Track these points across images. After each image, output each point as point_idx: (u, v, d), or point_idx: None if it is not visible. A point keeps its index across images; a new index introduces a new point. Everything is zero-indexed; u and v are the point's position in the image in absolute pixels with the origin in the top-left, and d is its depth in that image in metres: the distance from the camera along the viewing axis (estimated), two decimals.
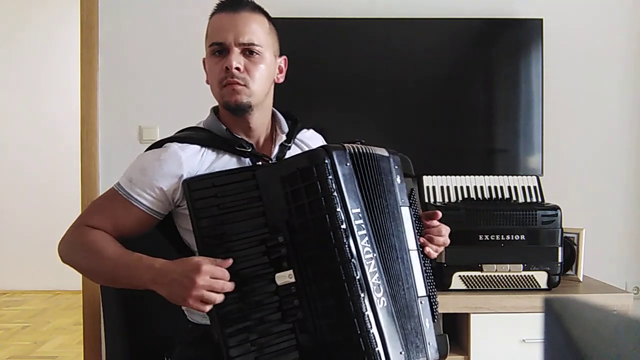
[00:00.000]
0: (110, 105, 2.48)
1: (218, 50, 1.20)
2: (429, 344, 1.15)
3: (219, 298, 1.03)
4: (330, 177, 1.07)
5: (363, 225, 1.09)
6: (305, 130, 1.39)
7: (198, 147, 1.21)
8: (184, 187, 1.10)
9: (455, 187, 2.11)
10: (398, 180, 1.22)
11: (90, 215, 1.22)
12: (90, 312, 2.45)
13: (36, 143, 4.79)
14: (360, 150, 1.14)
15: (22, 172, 4.81)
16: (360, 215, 1.09)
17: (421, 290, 1.19)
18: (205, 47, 1.25)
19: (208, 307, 1.03)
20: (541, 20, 2.42)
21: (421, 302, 1.17)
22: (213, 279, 1.03)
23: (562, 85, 2.48)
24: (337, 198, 1.06)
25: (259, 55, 1.20)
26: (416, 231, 1.24)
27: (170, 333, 1.38)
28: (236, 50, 1.19)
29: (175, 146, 1.20)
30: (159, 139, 1.26)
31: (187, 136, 1.23)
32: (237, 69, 1.18)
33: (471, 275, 1.95)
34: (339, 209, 1.06)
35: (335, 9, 2.43)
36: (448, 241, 1.30)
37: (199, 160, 1.19)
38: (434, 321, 1.20)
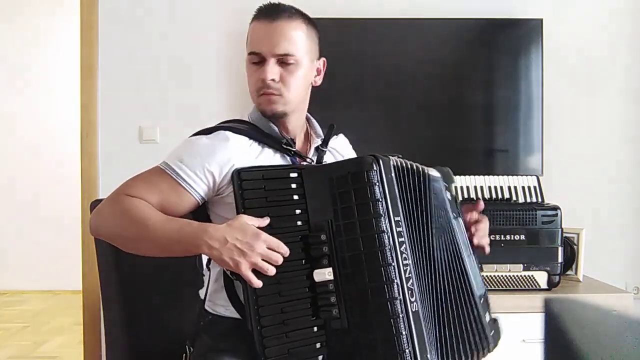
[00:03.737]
0: (110, 105, 2.48)
1: (256, 60, 1.22)
2: (486, 338, 1.22)
3: (272, 270, 1.04)
4: (378, 183, 1.11)
5: (402, 233, 1.12)
6: (335, 136, 1.40)
7: (247, 138, 1.22)
8: (234, 176, 1.11)
9: (455, 187, 2.10)
10: (448, 195, 1.29)
11: (131, 186, 1.16)
12: (90, 312, 2.45)
13: (36, 144, 4.79)
14: (402, 164, 1.19)
15: (21, 172, 4.80)
16: (400, 222, 1.13)
17: (479, 289, 1.25)
18: (246, 50, 1.26)
19: (255, 281, 1.03)
20: (541, 20, 2.42)
21: (481, 300, 1.24)
22: (270, 250, 1.04)
23: (562, 85, 2.49)
24: (383, 204, 1.10)
25: (295, 64, 1.22)
26: (466, 237, 1.31)
27: (171, 332, 1.38)
28: (272, 61, 1.20)
29: (228, 134, 1.19)
30: (208, 126, 1.24)
31: (239, 127, 1.24)
32: (273, 79, 1.20)
33: None
34: (384, 214, 1.10)
35: (333, 10, 2.43)
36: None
37: (246, 152, 1.20)
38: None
